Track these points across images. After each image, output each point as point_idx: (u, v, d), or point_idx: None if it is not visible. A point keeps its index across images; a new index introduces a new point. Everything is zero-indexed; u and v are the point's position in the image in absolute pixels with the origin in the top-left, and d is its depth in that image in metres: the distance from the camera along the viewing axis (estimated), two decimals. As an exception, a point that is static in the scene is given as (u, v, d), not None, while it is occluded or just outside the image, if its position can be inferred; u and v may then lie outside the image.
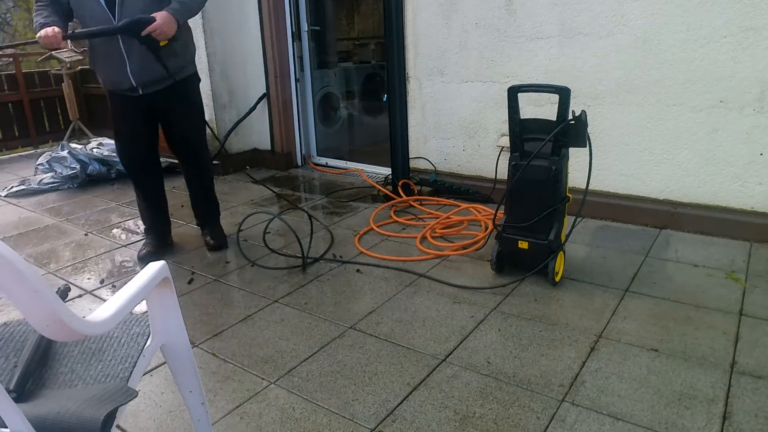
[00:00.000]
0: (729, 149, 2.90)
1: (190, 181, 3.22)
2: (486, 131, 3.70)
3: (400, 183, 3.88)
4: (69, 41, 2.83)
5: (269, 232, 3.34)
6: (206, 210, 3.28)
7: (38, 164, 4.96)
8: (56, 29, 2.49)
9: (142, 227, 3.25)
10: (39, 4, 2.62)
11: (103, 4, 2.59)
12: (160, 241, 3.17)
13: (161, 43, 2.61)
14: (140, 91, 2.78)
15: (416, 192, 3.88)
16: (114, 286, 2.80)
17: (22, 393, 1.14)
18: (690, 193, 3.06)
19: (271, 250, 3.06)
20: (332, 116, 5.32)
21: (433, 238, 3.15)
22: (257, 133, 5.04)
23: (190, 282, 2.78)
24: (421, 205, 3.71)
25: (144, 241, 3.20)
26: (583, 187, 2.47)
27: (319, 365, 2.05)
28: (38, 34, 2.50)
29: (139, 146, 2.99)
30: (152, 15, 2.55)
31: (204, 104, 4.87)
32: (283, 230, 3.42)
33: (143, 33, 2.53)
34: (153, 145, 3.03)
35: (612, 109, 3.17)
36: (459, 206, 3.59)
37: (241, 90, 4.86)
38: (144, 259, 3.03)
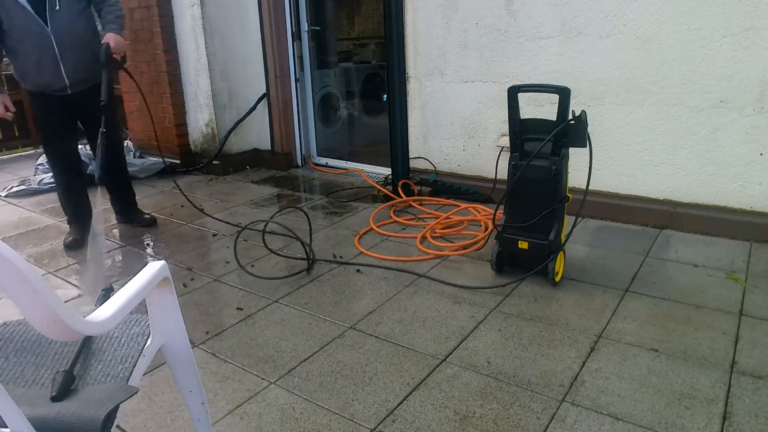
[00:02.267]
0: (729, 149, 2.90)
1: (114, 172, 3.43)
2: (486, 131, 3.70)
3: (400, 183, 3.88)
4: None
5: (272, 232, 3.34)
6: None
7: (38, 164, 4.96)
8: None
9: (66, 219, 3.47)
10: None
11: (33, 14, 2.84)
12: (84, 231, 3.34)
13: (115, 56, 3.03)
14: (69, 91, 3.04)
15: (416, 192, 3.88)
16: (114, 287, 2.80)
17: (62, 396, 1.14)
18: (690, 193, 3.06)
19: (271, 251, 3.06)
20: (332, 116, 5.32)
21: (433, 238, 3.15)
22: (257, 133, 5.04)
23: (186, 283, 2.78)
24: (420, 205, 3.71)
25: (69, 230, 3.40)
26: (583, 187, 2.48)
27: (319, 365, 2.05)
28: None
29: (68, 143, 3.22)
30: (104, 41, 2.96)
31: (204, 104, 4.92)
32: (279, 231, 3.42)
33: (109, 59, 2.95)
34: (76, 141, 3.31)
35: (612, 109, 3.17)
36: (459, 206, 3.59)
37: (241, 90, 4.86)
38: (71, 247, 3.28)
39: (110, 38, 2.97)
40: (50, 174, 4.76)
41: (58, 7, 2.87)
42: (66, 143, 3.23)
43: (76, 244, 3.28)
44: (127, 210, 3.64)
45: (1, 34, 2.88)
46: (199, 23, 4.66)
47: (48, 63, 2.94)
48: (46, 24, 2.87)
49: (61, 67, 2.95)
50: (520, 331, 2.20)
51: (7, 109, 3.00)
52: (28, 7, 2.82)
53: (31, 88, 3.07)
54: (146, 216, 3.64)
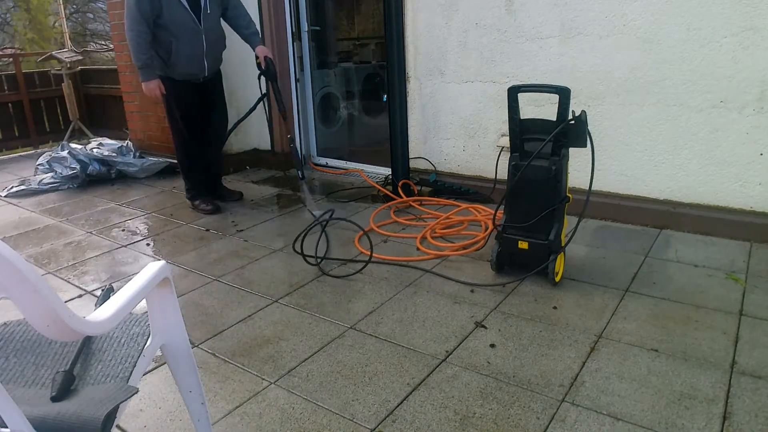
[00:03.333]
0: (729, 149, 2.90)
1: (213, 143, 3.90)
2: (486, 131, 3.70)
3: (400, 183, 3.88)
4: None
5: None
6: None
7: (38, 164, 4.96)
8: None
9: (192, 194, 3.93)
10: (140, 28, 3.32)
11: (192, 14, 3.40)
12: (209, 196, 3.91)
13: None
14: (201, 79, 3.61)
15: (416, 192, 3.88)
16: (114, 287, 2.80)
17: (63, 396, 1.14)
18: (690, 193, 3.06)
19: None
20: (332, 116, 5.32)
21: (433, 238, 3.15)
22: (257, 133, 5.04)
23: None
24: (420, 205, 3.71)
25: (199, 201, 3.87)
26: (583, 187, 2.48)
27: (319, 365, 2.05)
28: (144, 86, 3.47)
29: (194, 120, 3.71)
30: (263, 54, 3.62)
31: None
32: (284, 230, 3.42)
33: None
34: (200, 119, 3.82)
35: (612, 109, 3.17)
36: (459, 206, 3.59)
37: (241, 90, 4.85)
38: (213, 213, 3.80)
39: (267, 51, 3.66)
40: (50, 174, 4.78)
41: (208, 11, 3.46)
42: (197, 120, 3.73)
43: (216, 209, 3.82)
44: (218, 181, 4.07)
45: (156, 27, 3.36)
46: (199, 23, 4.66)
47: (197, 56, 3.50)
48: (200, 24, 3.43)
49: (205, 60, 3.53)
50: (520, 331, 2.20)
51: (161, 91, 3.49)
52: (188, 9, 3.38)
53: (176, 76, 3.53)
54: (234, 191, 4.12)
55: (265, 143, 5.05)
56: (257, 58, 3.64)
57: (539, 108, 3.29)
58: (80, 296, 2.72)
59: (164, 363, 2.02)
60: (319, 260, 2.87)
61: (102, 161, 4.90)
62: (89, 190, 4.63)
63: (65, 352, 1.30)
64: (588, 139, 2.39)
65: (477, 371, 1.96)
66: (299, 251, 2.94)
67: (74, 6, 15.44)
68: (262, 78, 3.68)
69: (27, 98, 6.46)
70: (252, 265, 2.94)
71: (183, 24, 3.38)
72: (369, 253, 2.82)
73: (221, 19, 3.64)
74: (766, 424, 1.64)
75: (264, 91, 3.77)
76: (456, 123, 3.81)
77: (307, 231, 3.04)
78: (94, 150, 5.05)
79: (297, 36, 4.68)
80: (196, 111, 3.69)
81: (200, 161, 3.83)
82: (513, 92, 2.49)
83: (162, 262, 1.29)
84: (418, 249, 3.01)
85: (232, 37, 3.72)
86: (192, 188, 3.90)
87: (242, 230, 3.47)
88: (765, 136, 2.80)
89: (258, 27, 4.65)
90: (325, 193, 4.19)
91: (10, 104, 6.37)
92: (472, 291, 2.54)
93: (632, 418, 1.69)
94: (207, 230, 3.52)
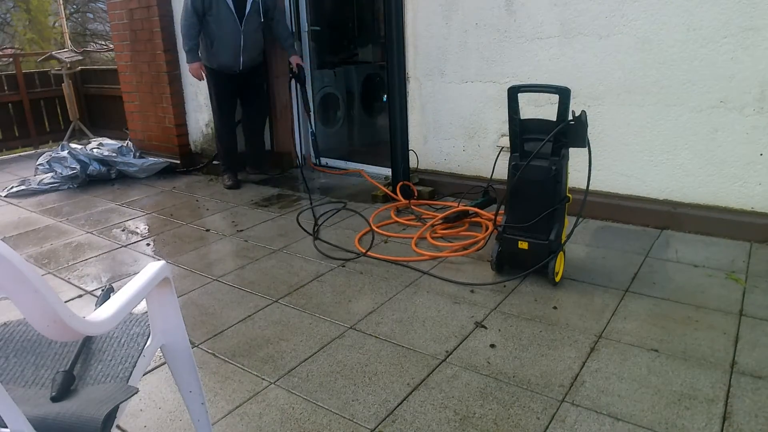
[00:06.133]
0: (729, 149, 2.90)
1: (253, 130, 4.64)
2: (486, 131, 3.70)
3: (399, 184, 3.87)
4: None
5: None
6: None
7: (38, 164, 4.96)
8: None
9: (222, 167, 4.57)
10: (191, 20, 4.05)
11: (236, 16, 4.05)
12: (236, 176, 4.54)
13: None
14: (237, 72, 4.26)
15: (416, 192, 3.87)
16: (114, 287, 2.80)
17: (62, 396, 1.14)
18: (690, 194, 3.06)
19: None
20: (332, 116, 5.31)
21: (433, 238, 3.15)
22: (257, 134, 5.03)
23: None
24: (419, 206, 3.71)
25: (226, 176, 4.50)
26: (583, 187, 2.48)
27: (319, 365, 2.05)
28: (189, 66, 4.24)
29: (232, 107, 4.46)
30: (298, 63, 4.41)
31: (204, 104, 4.92)
32: (284, 230, 3.42)
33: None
34: (235, 108, 4.52)
35: (612, 109, 3.17)
36: (459, 207, 3.58)
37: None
38: (232, 188, 4.45)
39: (299, 59, 4.46)
40: (50, 174, 4.78)
41: (250, 16, 4.12)
42: (231, 106, 4.45)
43: (235, 185, 4.45)
44: (260, 161, 4.73)
45: (205, 22, 4.06)
46: (199, 23, 4.66)
47: (234, 51, 4.14)
48: (241, 25, 4.09)
49: (241, 55, 4.17)
50: (520, 331, 2.20)
51: (202, 72, 4.23)
52: (233, 11, 4.03)
53: (215, 66, 4.22)
54: (275, 167, 4.79)
55: (265, 143, 5.04)
56: (290, 64, 4.44)
57: (539, 108, 3.29)
58: (80, 296, 2.72)
59: (164, 363, 2.02)
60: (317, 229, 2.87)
61: (102, 161, 4.90)
62: (89, 190, 4.63)
63: (65, 352, 1.30)
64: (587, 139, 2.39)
65: (477, 371, 1.96)
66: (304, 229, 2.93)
67: (74, 6, 15.44)
68: (293, 81, 4.60)
69: (27, 98, 6.46)
70: (252, 265, 2.94)
71: (226, 22, 4.05)
72: (367, 252, 2.81)
73: (269, 28, 4.38)
74: (766, 424, 1.64)
75: (297, 91, 4.68)
76: (456, 123, 3.81)
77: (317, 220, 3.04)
78: (94, 150, 5.05)
79: (297, 36, 4.68)
80: (231, 98, 4.41)
81: (232, 141, 4.51)
82: (513, 92, 2.49)
83: (162, 262, 1.29)
84: (417, 247, 3.01)
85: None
86: (222, 163, 4.59)
87: (242, 230, 3.47)
88: (765, 136, 2.80)
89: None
90: (325, 193, 4.19)
91: (10, 104, 6.37)
92: (472, 291, 2.54)
93: (632, 418, 1.69)
94: (207, 230, 3.52)
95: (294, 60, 4.41)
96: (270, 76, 4.74)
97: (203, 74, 4.27)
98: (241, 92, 4.44)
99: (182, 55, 4.87)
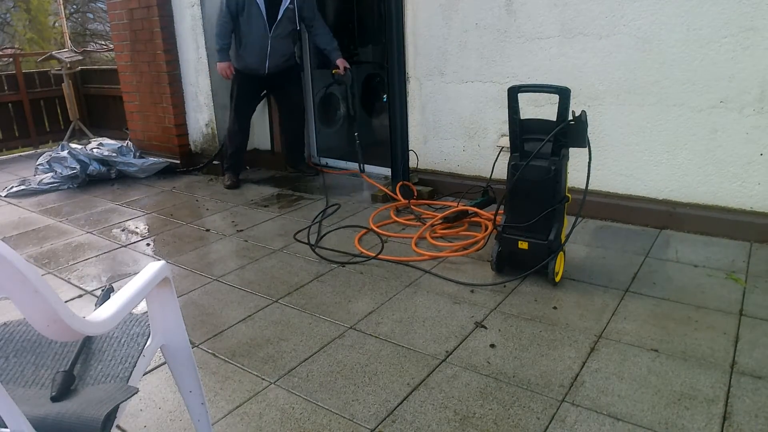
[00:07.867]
0: (729, 149, 2.90)
1: (291, 129, 4.71)
2: (486, 131, 3.70)
3: (398, 184, 3.87)
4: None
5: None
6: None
7: (38, 164, 4.96)
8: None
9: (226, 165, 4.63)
10: (225, 20, 4.17)
11: (266, 22, 4.13)
12: (236, 177, 4.58)
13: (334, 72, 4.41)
14: (263, 74, 4.32)
15: (415, 192, 3.87)
16: (114, 287, 2.80)
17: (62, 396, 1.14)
18: (690, 193, 3.06)
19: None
20: (332, 116, 5.31)
21: (433, 238, 3.15)
22: (257, 134, 5.04)
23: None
24: (419, 206, 3.71)
25: (227, 176, 4.56)
26: (583, 187, 2.47)
27: (319, 365, 2.05)
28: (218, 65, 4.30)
29: (251, 108, 4.57)
30: (344, 66, 4.36)
31: (204, 104, 4.92)
32: (284, 230, 3.42)
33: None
34: (254, 110, 4.64)
35: (612, 109, 3.17)
36: (458, 207, 3.58)
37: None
38: (231, 188, 4.48)
39: (345, 63, 4.40)
40: (50, 174, 4.78)
41: (281, 23, 4.17)
42: (250, 108, 4.54)
43: (235, 185, 4.49)
44: (298, 159, 4.79)
45: (237, 24, 4.16)
46: (199, 23, 4.66)
47: (260, 55, 4.23)
48: (270, 30, 4.16)
49: (267, 59, 4.25)
50: (520, 331, 2.20)
51: (230, 71, 4.28)
52: (264, 17, 4.12)
53: (241, 67, 4.30)
54: (312, 166, 4.88)
55: (265, 143, 5.05)
56: (336, 67, 4.38)
57: (539, 108, 3.29)
58: (80, 296, 2.72)
59: (164, 363, 2.02)
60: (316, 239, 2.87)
61: (102, 161, 4.90)
62: (89, 190, 4.63)
63: (65, 352, 1.30)
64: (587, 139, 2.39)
65: (477, 371, 1.96)
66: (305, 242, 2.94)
67: (74, 6, 15.44)
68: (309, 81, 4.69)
69: (27, 98, 6.46)
70: (252, 265, 2.94)
71: (256, 26, 4.15)
72: (367, 252, 2.82)
73: (312, 42, 4.60)
74: (766, 424, 1.64)
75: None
76: (456, 123, 3.81)
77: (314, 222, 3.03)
78: (94, 150, 5.05)
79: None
80: (252, 99, 4.53)
81: (243, 141, 4.61)
82: (513, 92, 2.49)
83: (162, 262, 1.29)
84: (417, 247, 3.01)
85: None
86: (226, 162, 4.62)
87: (242, 230, 3.47)
88: (765, 136, 2.80)
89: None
90: (325, 193, 4.18)
91: (10, 104, 6.37)
92: (472, 291, 2.54)
93: (632, 418, 1.69)
94: (207, 230, 3.52)
95: (341, 63, 4.38)
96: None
97: (230, 74, 4.31)
98: (274, 94, 4.62)
99: (182, 55, 4.89)
